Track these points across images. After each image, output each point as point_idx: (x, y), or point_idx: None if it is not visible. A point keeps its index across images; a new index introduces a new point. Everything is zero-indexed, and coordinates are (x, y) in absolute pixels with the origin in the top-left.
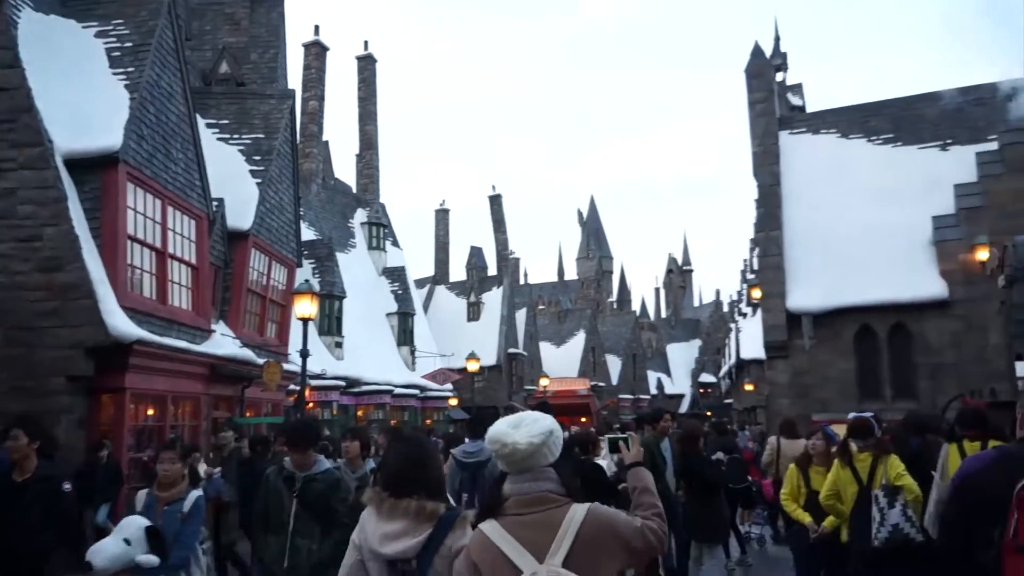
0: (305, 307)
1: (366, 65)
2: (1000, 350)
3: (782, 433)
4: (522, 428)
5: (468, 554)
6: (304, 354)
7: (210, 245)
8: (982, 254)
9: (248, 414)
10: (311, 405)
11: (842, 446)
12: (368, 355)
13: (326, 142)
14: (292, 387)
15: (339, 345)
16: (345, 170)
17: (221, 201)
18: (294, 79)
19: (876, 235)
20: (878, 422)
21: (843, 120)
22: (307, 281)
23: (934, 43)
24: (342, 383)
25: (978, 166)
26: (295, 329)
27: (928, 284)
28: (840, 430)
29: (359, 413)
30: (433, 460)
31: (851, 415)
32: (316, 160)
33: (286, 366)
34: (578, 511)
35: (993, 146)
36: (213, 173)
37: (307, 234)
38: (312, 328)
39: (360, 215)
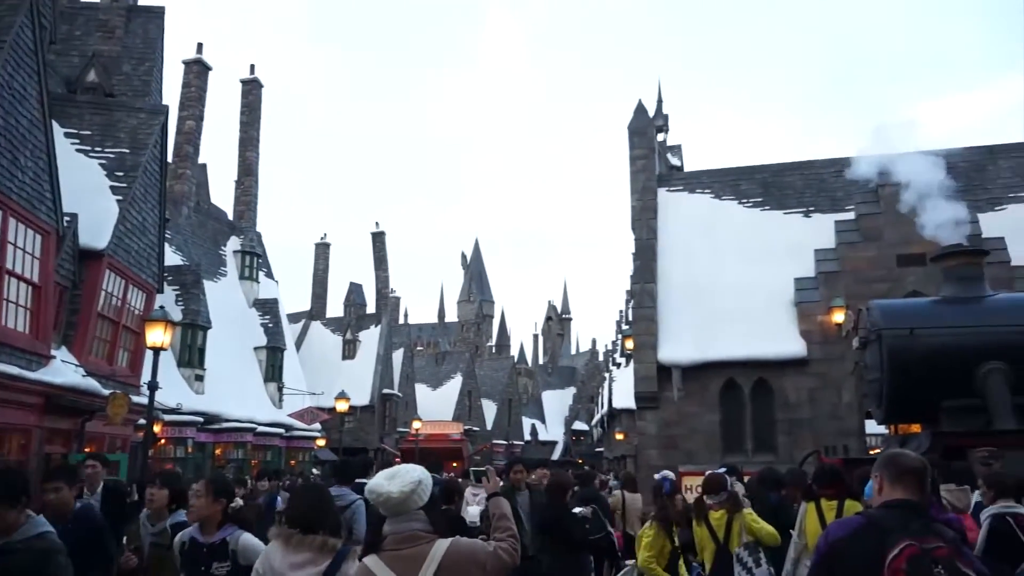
0: (157, 336)
1: (251, 89)
2: (852, 408)
3: (625, 486)
4: (395, 480)
5: None
6: (152, 386)
7: (57, 263)
8: (838, 316)
9: (88, 450)
10: (163, 442)
11: (697, 503)
12: (231, 390)
13: (203, 165)
14: (142, 422)
15: (200, 378)
16: (222, 196)
17: (74, 216)
18: (172, 97)
19: (744, 293)
20: (739, 474)
21: (717, 182)
22: (162, 308)
23: (795, 113)
24: (200, 419)
25: (836, 233)
26: (151, 359)
27: (789, 343)
28: (690, 481)
29: (217, 452)
30: (332, 505)
31: (708, 471)
32: (190, 182)
33: (137, 398)
34: (442, 545)
35: (850, 215)
36: (68, 186)
37: (173, 259)
38: (171, 359)
39: (233, 243)
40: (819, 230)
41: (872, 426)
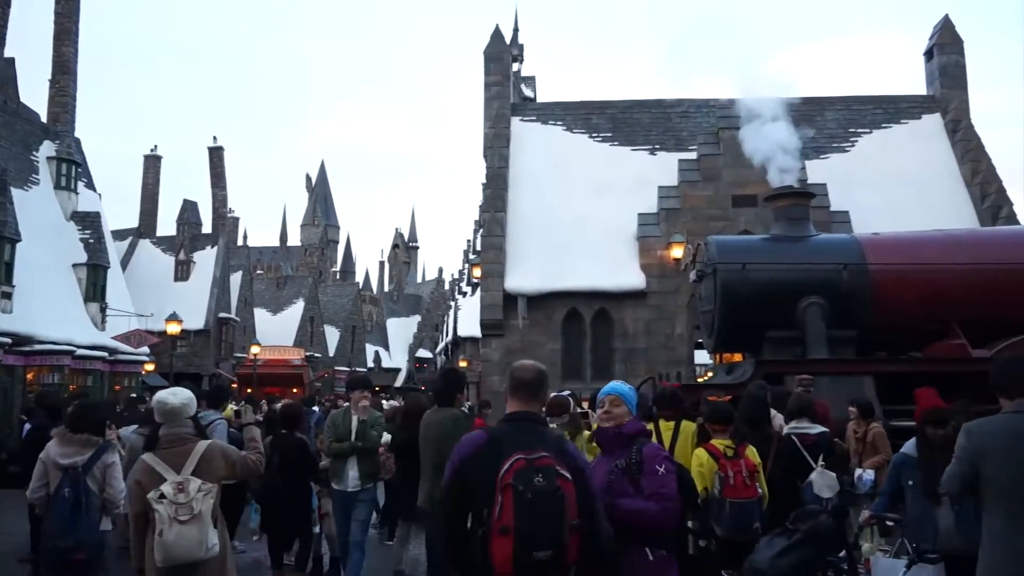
0: None
1: None
2: (683, 339)
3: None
4: (177, 396)
5: (134, 475)
6: None
7: None
8: (677, 251)
9: None
10: None
11: None
12: (45, 310)
13: (11, 59)
14: None
15: (7, 296)
16: (34, 96)
17: None
18: None
19: (590, 225)
20: (578, 400)
21: (569, 114)
22: None
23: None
24: (7, 340)
25: (679, 172)
26: None
27: (629, 275)
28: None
29: (29, 376)
30: (96, 415)
31: (552, 394)
32: None
33: None
34: (203, 444)
35: (692, 155)
36: None
37: None
38: None
39: (47, 148)
40: (663, 168)
41: (700, 356)
